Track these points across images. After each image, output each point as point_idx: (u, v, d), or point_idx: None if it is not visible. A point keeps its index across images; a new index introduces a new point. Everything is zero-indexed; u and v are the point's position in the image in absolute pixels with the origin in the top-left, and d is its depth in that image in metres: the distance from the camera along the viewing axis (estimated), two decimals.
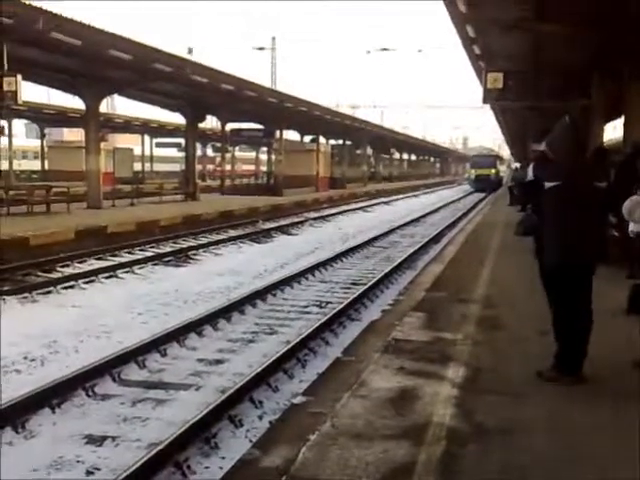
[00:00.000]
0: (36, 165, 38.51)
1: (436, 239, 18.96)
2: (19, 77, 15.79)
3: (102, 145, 26.41)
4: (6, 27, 14.14)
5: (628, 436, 4.00)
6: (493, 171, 52.66)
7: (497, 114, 35.23)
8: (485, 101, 16.56)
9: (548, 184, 4.86)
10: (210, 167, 55.37)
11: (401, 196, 43.99)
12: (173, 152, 49.05)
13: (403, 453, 3.76)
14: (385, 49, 49.05)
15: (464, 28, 15.48)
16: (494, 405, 4.52)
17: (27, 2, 14.20)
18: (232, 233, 19.22)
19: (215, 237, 18.23)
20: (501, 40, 15.92)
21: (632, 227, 5.35)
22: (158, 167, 49.21)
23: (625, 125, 14.15)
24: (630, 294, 6.06)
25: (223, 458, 4.97)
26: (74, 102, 23.28)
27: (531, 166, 5.21)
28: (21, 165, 41.21)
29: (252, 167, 59.58)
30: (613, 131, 22.63)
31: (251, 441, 5.06)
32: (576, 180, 4.85)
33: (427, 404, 4.52)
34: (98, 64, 18.70)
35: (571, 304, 4.91)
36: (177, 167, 49.10)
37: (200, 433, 5.24)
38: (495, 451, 3.81)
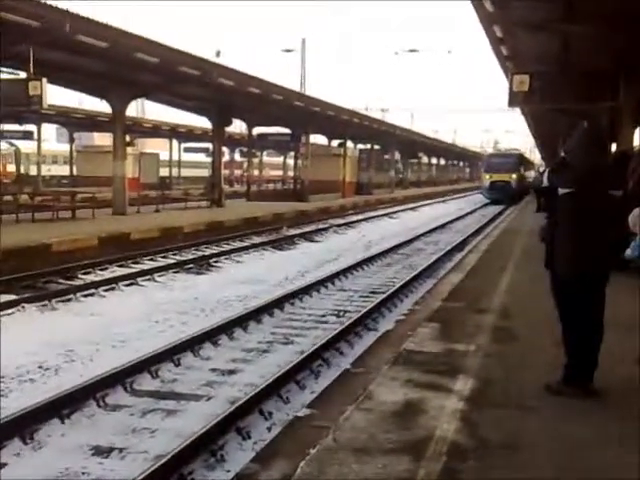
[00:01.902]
0: (66, 170, 39.00)
1: (460, 247, 18.77)
2: (44, 81, 15.85)
3: (129, 150, 26.70)
4: (33, 30, 14.26)
5: (633, 452, 3.89)
6: (514, 176, 40.51)
7: (526, 117, 34.85)
8: (511, 104, 16.31)
9: (562, 190, 4.76)
10: (238, 172, 55.61)
11: (428, 202, 43.70)
12: (202, 157, 49.29)
13: (402, 469, 3.70)
14: (413, 50, 48.67)
15: (492, 28, 15.34)
16: (500, 419, 4.44)
17: (54, 4, 14.34)
18: (255, 240, 19.24)
19: (238, 244, 18.27)
20: (529, 41, 15.77)
21: (629, 252, 5.19)
22: (187, 172, 49.50)
23: None
24: None
25: (228, 471, 4.95)
26: (104, 106, 23.51)
27: (546, 172, 5.12)
28: (51, 170, 41.75)
29: (280, 172, 59.77)
30: None
31: (257, 454, 5.03)
32: (590, 187, 4.74)
33: (432, 418, 4.45)
34: (124, 67, 18.85)
35: (581, 316, 4.80)
36: (206, 172, 49.41)
37: (206, 445, 5.23)
38: (496, 467, 3.73)
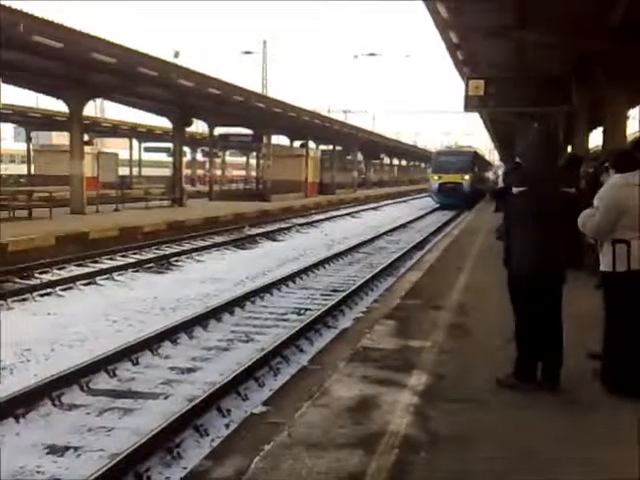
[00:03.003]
0: (23, 169, 38.28)
1: (420, 245, 18.98)
2: None
3: (87, 149, 26.36)
4: None
5: (580, 443, 4.02)
6: (467, 177, 35.74)
7: (485, 120, 35.36)
8: (467, 108, 16.60)
9: (515, 189, 4.86)
10: (200, 172, 55.26)
11: (390, 202, 44.03)
12: (164, 157, 48.83)
13: (355, 462, 3.77)
14: (372, 54, 48.95)
15: (447, 34, 15.57)
16: (452, 413, 4.54)
17: (7, 5, 14.12)
18: (216, 239, 19.19)
19: (199, 244, 18.20)
20: (484, 47, 16.03)
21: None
22: (148, 172, 49.00)
23: (604, 133, 14.23)
24: None
25: (184, 468, 4.96)
26: (62, 106, 23.20)
27: (501, 173, 5.23)
28: (7, 169, 40.93)
29: (243, 172, 59.50)
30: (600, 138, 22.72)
31: (212, 451, 5.06)
32: (541, 187, 4.83)
33: (385, 412, 4.53)
34: (80, 67, 18.67)
35: (535, 314, 4.90)
36: (167, 172, 48.94)
37: (163, 443, 5.23)
38: (446, 459, 3.83)
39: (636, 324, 4.74)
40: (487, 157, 62.44)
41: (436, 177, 36.73)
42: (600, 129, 18.71)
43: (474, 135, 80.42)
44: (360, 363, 5.67)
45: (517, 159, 5.19)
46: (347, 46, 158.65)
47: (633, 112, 35.33)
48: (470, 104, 16.27)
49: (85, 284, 12.05)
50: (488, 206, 28.36)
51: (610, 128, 13.71)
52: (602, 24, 12.45)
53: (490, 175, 45.46)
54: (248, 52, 43.15)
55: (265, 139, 35.16)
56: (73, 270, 13.26)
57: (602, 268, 4.94)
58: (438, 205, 36.17)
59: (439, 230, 23.93)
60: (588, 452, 3.93)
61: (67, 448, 5.26)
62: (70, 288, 11.61)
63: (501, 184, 4.89)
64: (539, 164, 4.88)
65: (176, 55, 38.72)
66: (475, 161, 38.34)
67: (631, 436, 4.09)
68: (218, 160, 42.22)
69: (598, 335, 5.06)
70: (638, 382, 4.69)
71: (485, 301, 8.29)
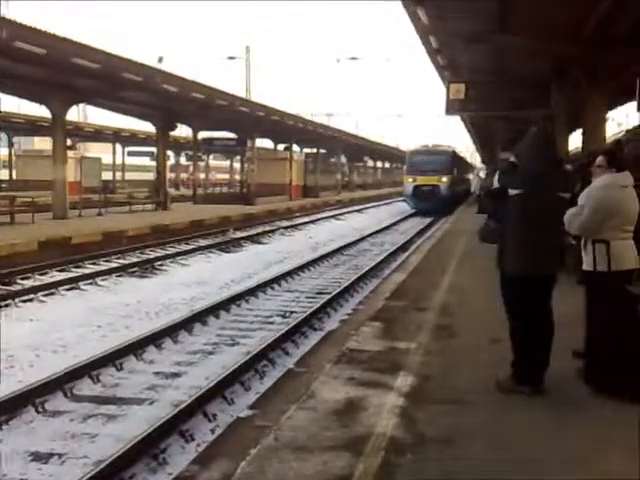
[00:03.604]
0: (5, 175, 37.97)
1: (404, 247, 19.03)
2: None
3: (70, 154, 26.18)
4: None
5: (566, 444, 4.04)
6: (445, 180, 32.70)
7: (466, 123, 35.56)
8: (448, 112, 16.72)
9: (512, 192, 4.86)
10: (184, 176, 55.10)
11: (374, 204, 44.12)
12: (147, 161, 48.66)
13: (342, 465, 3.77)
14: (354, 58, 49.04)
15: (428, 39, 15.69)
16: (438, 414, 4.55)
17: None
18: (201, 243, 19.13)
19: (183, 247, 18.13)
20: (465, 51, 16.16)
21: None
22: (132, 176, 48.77)
23: (583, 135, 14.37)
24: None
25: (170, 474, 4.93)
26: (45, 111, 23.02)
27: (497, 174, 5.21)
28: None
29: (227, 175, 59.39)
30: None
31: (199, 455, 5.03)
32: (539, 189, 4.85)
33: (372, 414, 4.53)
34: (64, 73, 18.55)
35: (532, 315, 4.90)
36: (151, 176, 48.73)
37: (148, 449, 5.19)
38: (432, 460, 3.83)
39: (617, 323, 4.77)
40: (469, 159, 60.90)
41: (410, 179, 33.50)
42: (579, 131, 18.93)
43: (456, 137, 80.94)
44: (346, 365, 5.67)
45: (512, 159, 5.15)
46: (330, 50, 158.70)
47: (611, 114, 35.81)
48: (451, 107, 16.41)
49: (68, 289, 11.95)
50: (470, 208, 28.48)
51: (589, 130, 13.84)
52: (580, 29, 12.59)
53: (471, 177, 43.73)
54: (232, 57, 42.96)
55: (249, 143, 35.14)
56: (56, 275, 13.15)
57: (584, 267, 4.98)
58: (413, 210, 33.58)
59: (422, 232, 24.01)
60: (571, 452, 3.95)
61: (51, 455, 5.21)
62: (53, 294, 11.51)
63: (496, 184, 4.87)
64: (537, 167, 4.86)
65: (160, 60, 38.57)
66: (454, 161, 35.26)
67: (613, 435, 4.14)
68: (202, 164, 42.09)
69: (580, 334, 5.09)
70: (620, 381, 4.72)
71: (469, 302, 8.33)
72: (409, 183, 33.44)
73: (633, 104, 14.40)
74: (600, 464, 3.78)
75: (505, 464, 3.81)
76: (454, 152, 36.59)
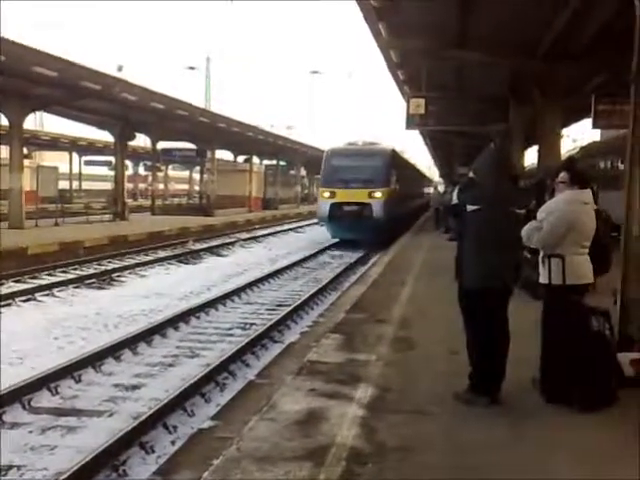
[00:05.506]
0: None
1: (363, 260, 19.20)
2: None
3: (26, 162, 25.78)
4: None
5: (517, 451, 4.18)
6: (379, 195, 22.13)
7: (425, 138, 36.10)
8: (408, 127, 16.99)
9: (470, 207, 5.00)
10: (142, 186, 54.60)
11: None
12: (105, 170, 48.09)
13: (304, 475, 3.82)
14: (315, 72, 49.52)
15: (389, 54, 15.95)
16: (398, 424, 4.63)
17: None
18: (160, 254, 19.01)
19: (142, 258, 17.98)
20: (425, 66, 16.49)
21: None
22: (89, 185, 48.15)
23: (539, 151, 14.76)
24: None
25: None
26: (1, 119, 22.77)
27: (456, 190, 5.33)
28: None
29: (186, 186, 59.03)
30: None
31: (160, 467, 5.03)
32: (495, 205, 5.00)
33: (333, 425, 4.60)
34: (21, 80, 18.32)
35: (488, 327, 5.03)
36: (109, 185, 48.11)
37: (108, 461, 5.17)
38: (392, 469, 3.91)
39: (569, 335, 4.94)
40: (426, 173, 58.55)
41: (327, 193, 23.04)
42: (535, 147, 19.44)
43: (414, 152, 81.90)
44: (307, 377, 5.73)
45: (471, 174, 5.29)
46: (292, 63, 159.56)
47: (568, 131, 36.77)
48: (411, 122, 16.68)
49: (24, 300, 11.77)
50: (427, 224, 28.70)
51: (545, 146, 14.22)
52: (536, 46, 12.97)
53: (426, 191, 40.08)
54: (192, 67, 43.24)
55: (209, 154, 35.06)
56: (12, 286, 12.91)
57: (540, 280, 5.15)
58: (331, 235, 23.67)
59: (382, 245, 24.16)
60: (525, 459, 4.09)
61: (10, 467, 5.15)
62: (9, 305, 11.31)
63: (455, 200, 5.00)
64: (494, 183, 5.01)
65: (120, 69, 38.39)
66: (394, 167, 24.03)
67: (566, 444, 4.29)
68: (161, 174, 41.83)
69: (535, 345, 5.24)
70: (573, 392, 4.88)
71: (428, 314, 8.47)
72: (325, 199, 23.01)
73: (589, 120, 14.89)
74: (554, 473, 3.92)
75: (463, 471, 3.92)
76: (393, 152, 24.81)
